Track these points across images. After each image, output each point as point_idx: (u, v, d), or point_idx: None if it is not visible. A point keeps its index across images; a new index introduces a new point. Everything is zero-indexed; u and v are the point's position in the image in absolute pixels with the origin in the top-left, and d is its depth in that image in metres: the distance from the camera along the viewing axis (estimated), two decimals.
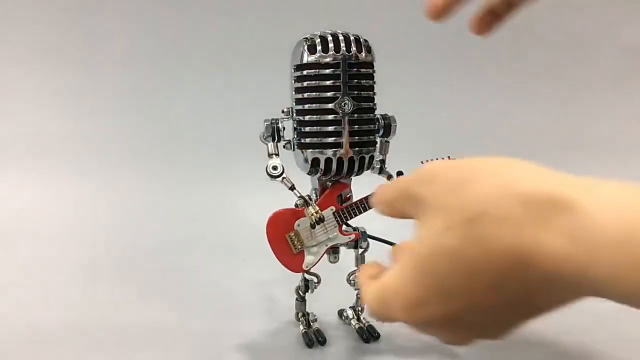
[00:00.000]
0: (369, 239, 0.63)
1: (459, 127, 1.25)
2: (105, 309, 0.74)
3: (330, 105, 0.56)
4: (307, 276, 0.64)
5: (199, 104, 1.25)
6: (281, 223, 0.61)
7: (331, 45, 0.56)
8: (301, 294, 0.65)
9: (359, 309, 0.66)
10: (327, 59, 0.56)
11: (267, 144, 0.61)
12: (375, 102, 0.60)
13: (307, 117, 0.58)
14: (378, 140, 0.61)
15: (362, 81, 0.58)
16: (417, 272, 0.34)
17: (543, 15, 1.24)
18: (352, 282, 0.63)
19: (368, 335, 0.63)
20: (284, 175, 0.59)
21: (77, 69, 1.24)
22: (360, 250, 0.63)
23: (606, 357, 0.58)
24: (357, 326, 0.65)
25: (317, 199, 0.61)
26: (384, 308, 0.36)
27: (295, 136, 0.59)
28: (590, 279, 0.28)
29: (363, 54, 0.57)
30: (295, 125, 0.59)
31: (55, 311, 0.72)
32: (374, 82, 0.59)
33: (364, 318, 0.66)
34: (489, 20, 0.54)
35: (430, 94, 1.25)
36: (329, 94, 0.56)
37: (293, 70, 0.58)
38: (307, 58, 0.57)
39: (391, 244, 0.59)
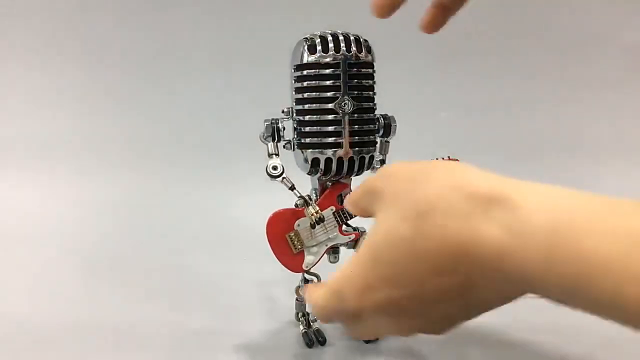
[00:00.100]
0: None
1: (459, 127, 1.25)
2: (105, 309, 0.74)
3: (330, 105, 0.56)
4: (307, 276, 0.64)
5: (199, 104, 1.25)
6: (281, 223, 0.61)
7: (331, 45, 0.56)
8: (301, 294, 0.65)
9: None
10: (327, 59, 0.56)
11: (267, 144, 0.61)
12: (375, 102, 0.60)
13: (307, 117, 0.58)
14: (378, 140, 0.61)
15: (362, 81, 0.58)
16: (370, 258, 0.37)
17: (543, 15, 1.24)
18: None
19: None
20: (284, 175, 0.59)
21: (77, 68, 1.24)
22: None
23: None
24: None
25: (317, 199, 0.61)
26: (337, 296, 0.39)
27: (295, 136, 0.59)
28: (524, 270, 0.30)
29: (363, 54, 0.57)
30: (295, 125, 0.59)
31: (55, 311, 0.72)
32: (374, 82, 0.59)
33: None
34: (439, 16, 0.55)
35: (429, 94, 1.25)
36: (329, 94, 0.56)
37: (293, 70, 0.58)
38: (307, 58, 0.57)
39: None
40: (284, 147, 0.61)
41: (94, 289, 0.81)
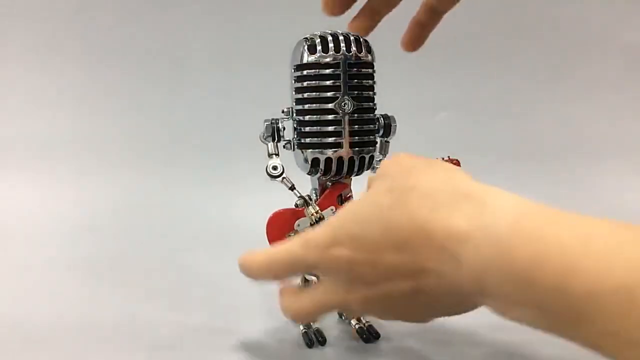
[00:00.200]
0: None
1: (459, 127, 1.25)
2: (105, 309, 0.74)
3: (330, 105, 0.56)
4: (307, 276, 0.64)
5: (198, 104, 1.25)
6: (281, 223, 0.61)
7: (331, 45, 0.56)
8: None
9: None
10: (327, 59, 0.56)
11: (267, 144, 0.61)
12: (375, 102, 0.60)
13: (307, 117, 0.58)
14: (378, 140, 0.61)
15: (362, 81, 0.58)
16: (346, 213, 0.42)
17: (543, 15, 1.24)
18: None
19: (368, 335, 0.63)
20: (284, 175, 0.59)
21: (77, 68, 1.24)
22: None
23: None
24: (357, 326, 0.65)
25: (317, 199, 0.61)
26: (302, 243, 0.43)
27: (295, 136, 0.59)
28: (482, 258, 0.33)
29: (363, 54, 0.57)
30: (295, 125, 0.59)
31: (55, 311, 0.72)
32: (374, 82, 0.59)
33: (364, 318, 0.66)
34: (418, 33, 0.61)
35: (429, 94, 1.25)
36: (329, 94, 0.56)
37: (293, 71, 0.58)
38: (307, 58, 0.57)
39: None
40: (284, 147, 0.61)
41: (94, 289, 0.81)
